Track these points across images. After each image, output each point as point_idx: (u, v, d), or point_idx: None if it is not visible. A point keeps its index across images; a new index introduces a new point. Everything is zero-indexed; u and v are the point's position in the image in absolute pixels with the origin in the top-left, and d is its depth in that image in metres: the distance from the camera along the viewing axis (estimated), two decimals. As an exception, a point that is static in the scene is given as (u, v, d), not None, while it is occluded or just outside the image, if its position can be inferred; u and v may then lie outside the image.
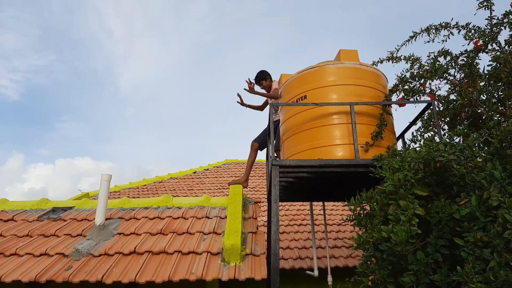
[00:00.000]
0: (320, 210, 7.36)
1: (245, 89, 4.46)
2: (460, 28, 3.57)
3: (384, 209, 2.30)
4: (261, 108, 4.96)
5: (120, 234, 3.45)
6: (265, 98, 4.86)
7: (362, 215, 2.74)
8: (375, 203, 2.42)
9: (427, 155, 2.32)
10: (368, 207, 2.73)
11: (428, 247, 2.08)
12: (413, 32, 3.73)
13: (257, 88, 4.69)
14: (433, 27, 3.63)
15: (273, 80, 4.81)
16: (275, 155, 4.19)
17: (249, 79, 4.48)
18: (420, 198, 2.30)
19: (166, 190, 9.10)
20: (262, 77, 4.70)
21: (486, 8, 3.43)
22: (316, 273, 4.70)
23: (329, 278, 4.52)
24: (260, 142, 4.72)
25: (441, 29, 3.63)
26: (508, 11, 3.35)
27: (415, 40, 3.74)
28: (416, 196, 2.26)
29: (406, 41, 3.76)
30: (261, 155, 12.39)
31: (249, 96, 4.61)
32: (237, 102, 4.76)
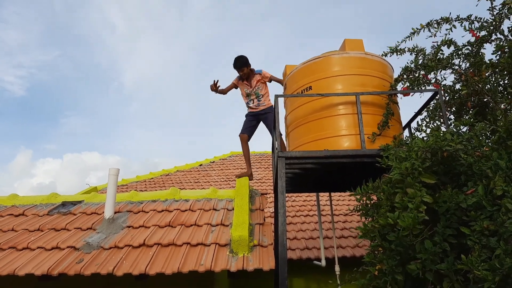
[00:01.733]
0: (326, 200, 7.38)
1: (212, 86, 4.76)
2: (462, 20, 3.52)
3: (391, 198, 2.31)
4: (224, 91, 4.99)
5: (129, 227, 3.49)
6: (229, 83, 5.02)
7: (369, 206, 2.75)
8: (381, 193, 2.42)
9: (434, 144, 2.31)
10: (375, 198, 2.74)
11: (436, 236, 2.09)
12: (413, 29, 3.67)
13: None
14: (434, 21, 3.58)
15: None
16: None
17: (216, 80, 4.74)
18: (427, 188, 2.30)
19: (172, 183, 9.16)
20: (245, 63, 4.71)
21: None
22: (323, 263, 4.74)
23: (337, 268, 4.55)
24: (249, 133, 4.86)
25: (443, 23, 3.57)
26: (505, 1, 3.30)
27: (417, 35, 3.69)
28: (423, 184, 2.26)
29: (407, 37, 3.70)
30: (267, 147, 12.38)
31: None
32: (211, 85, 4.79)
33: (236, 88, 4.98)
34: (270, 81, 4.89)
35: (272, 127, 4.56)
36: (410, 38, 3.66)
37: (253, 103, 4.84)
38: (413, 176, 2.25)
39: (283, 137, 4.47)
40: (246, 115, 4.93)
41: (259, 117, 4.88)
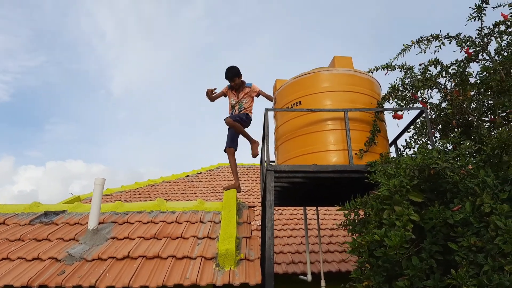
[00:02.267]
0: (313, 214, 7.38)
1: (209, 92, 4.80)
2: (451, 38, 3.63)
3: (379, 214, 2.32)
4: (213, 99, 4.97)
5: (113, 238, 3.42)
6: (219, 90, 5.02)
7: (356, 221, 2.76)
8: (370, 209, 2.44)
9: (422, 162, 2.35)
10: (362, 213, 2.75)
11: (423, 252, 2.10)
12: (404, 45, 3.78)
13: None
14: (424, 38, 3.69)
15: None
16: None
17: (210, 89, 4.78)
18: (414, 204, 2.33)
19: (158, 194, 9.05)
20: (237, 74, 4.73)
21: (477, 19, 3.49)
22: (309, 277, 4.71)
23: (322, 283, 4.53)
24: (235, 146, 4.80)
25: (432, 40, 3.68)
26: (498, 21, 3.42)
27: (408, 51, 3.80)
28: (411, 202, 2.29)
29: (399, 54, 3.81)
30: (255, 159, 12.36)
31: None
32: (208, 90, 4.79)
33: (225, 96, 4.98)
34: (258, 96, 4.88)
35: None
36: (402, 54, 3.76)
37: (234, 113, 4.81)
38: (401, 194, 2.27)
39: (272, 150, 4.47)
40: (229, 128, 4.90)
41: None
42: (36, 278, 2.75)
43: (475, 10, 3.44)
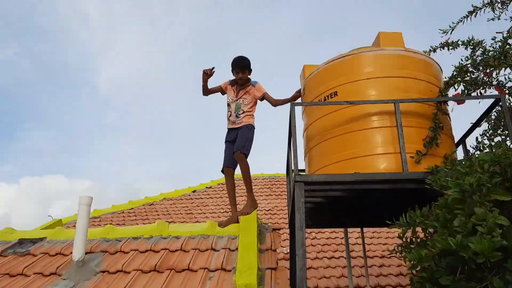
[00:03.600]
0: (357, 238, 7.29)
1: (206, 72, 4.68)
2: None
3: (449, 226, 2.27)
4: (207, 90, 4.85)
5: (104, 272, 3.47)
6: (218, 85, 4.97)
7: (414, 243, 2.71)
8: (435, 221, 2.39)
9: (504, 156, 2.29)
10: (421, 234, 2.70)
11: (507, 274, 2.05)
12: (472, 6, 3.66)
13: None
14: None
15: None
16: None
17: (208, 69, 4.67)
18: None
19: (158, 215, 9.16)
20: (248, 66, 4.67)
21: None
22: (354, 320, 4.66)
23: (372, 327, 4.47)
24: (233, 165, 4.63)
25: (509, 2, 3.57)
26: None
27: (475, 17, 3.68)
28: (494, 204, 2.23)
29: (464, 17, 3.70)
30: (280, 169, 12.36)
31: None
32: (205, 70, 4.67)
33: (223, 94, 4.88)
34: (262, 99, 4.69)
35: (237, 140, 4.45)
36: (469, 18, 3.64)
37: (230, 116, 4.70)
38: (480, 194, 2.21)
39: (301, 155, 4.42)
40: (225, 141, 4.73)
41: (236, 133, 4.65)
42: (10, 322, 2.82)
43: None
